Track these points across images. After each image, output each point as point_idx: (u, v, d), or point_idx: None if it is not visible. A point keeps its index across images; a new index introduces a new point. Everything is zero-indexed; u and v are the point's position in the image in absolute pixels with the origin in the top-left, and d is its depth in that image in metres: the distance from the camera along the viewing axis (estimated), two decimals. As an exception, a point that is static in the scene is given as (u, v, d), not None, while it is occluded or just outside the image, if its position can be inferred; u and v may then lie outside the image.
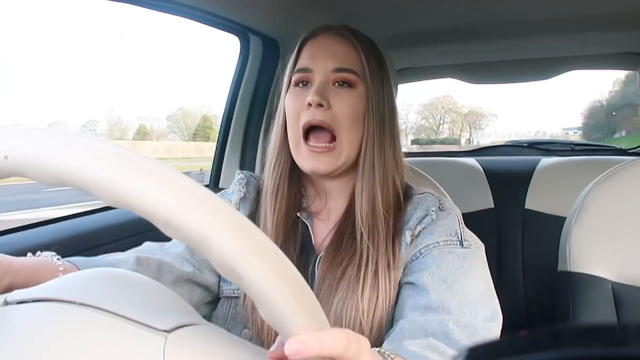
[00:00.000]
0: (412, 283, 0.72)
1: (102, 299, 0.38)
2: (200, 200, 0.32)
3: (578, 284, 0.89)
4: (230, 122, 1.46)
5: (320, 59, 0.80)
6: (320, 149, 0.76)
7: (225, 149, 1.48)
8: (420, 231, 0.76)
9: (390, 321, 0.73)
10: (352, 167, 0.81)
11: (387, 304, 0.72)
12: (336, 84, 0.79)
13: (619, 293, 0.86)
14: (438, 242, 0.74)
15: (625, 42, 1.64)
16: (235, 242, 0.32)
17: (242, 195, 0.86)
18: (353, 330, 0.69)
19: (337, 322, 0.71)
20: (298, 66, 0.82)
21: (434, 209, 0.78)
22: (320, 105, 0.76)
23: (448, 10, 1.36)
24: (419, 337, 0.64)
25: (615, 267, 0.87)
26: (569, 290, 0.90)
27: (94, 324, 0.36)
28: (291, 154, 0.82)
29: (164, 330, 0.37)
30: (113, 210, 1.17)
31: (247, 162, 1.49)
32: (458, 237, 0.75)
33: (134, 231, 1.09)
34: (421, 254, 0.74)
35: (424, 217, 0.77)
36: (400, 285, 0.74)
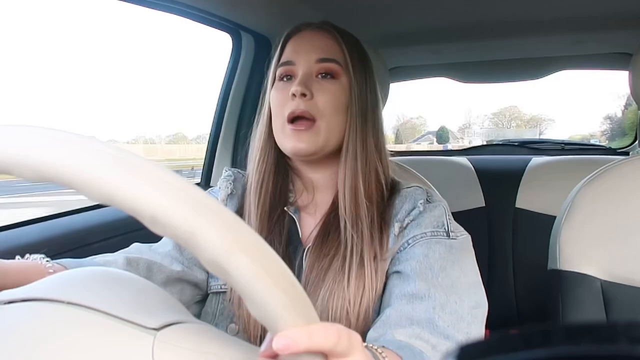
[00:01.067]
0: (399, 272, 0.73)
1: (90, 297, 0.38)
2: (187, 196, 0.32)
3: (568, 282, 0.90)
4: (222, 120, 1.46)
5: (303, 52, 0.81)
6: (300, 126, 0.78)
7: (216, 147, 1.47)
8: (408, 223, 0.77)
9: (377, 310, 0.74)
10: (337, 159, 0.82)
11: (373, 293, 0.73)
12: (319, 76, 0.80)
13: (608, 291, 0.87)
14: (425, 233, 0.75)
15: (617, 42, 1.65)
16: (222, 239, 0.31)
17: (229, 192, 0.87)
18: (339, 319, 0.70)
19: (323, 313, 0.72)
20: (281, 60, 0.83)
21: (421, 201, 0.79)
22: (304, 95, 0.77)
23: (440, 10, 1.36)
24: (405, 325, 0.65)
25: (604, 265, 0.88)
26: (558, 288, 0.91)
27: (82, 323, 0.36)
28: (276, 148, 0.83)
29: (153, 329, 0.37)
30: (102, 209, 1.16)
31: (238, 159, 1.49)
32: (445, 228, 0.77)
33: (123, 230, 1.09)
34: (409, 244, 0.75)
35: (412, 210, 0.79)
36: (387, 276, 0.75)
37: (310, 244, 0.79)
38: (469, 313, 0.68)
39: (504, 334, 0.22)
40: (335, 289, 0.72)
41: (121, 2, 1.04)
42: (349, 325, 0.70)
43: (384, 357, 0.53)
